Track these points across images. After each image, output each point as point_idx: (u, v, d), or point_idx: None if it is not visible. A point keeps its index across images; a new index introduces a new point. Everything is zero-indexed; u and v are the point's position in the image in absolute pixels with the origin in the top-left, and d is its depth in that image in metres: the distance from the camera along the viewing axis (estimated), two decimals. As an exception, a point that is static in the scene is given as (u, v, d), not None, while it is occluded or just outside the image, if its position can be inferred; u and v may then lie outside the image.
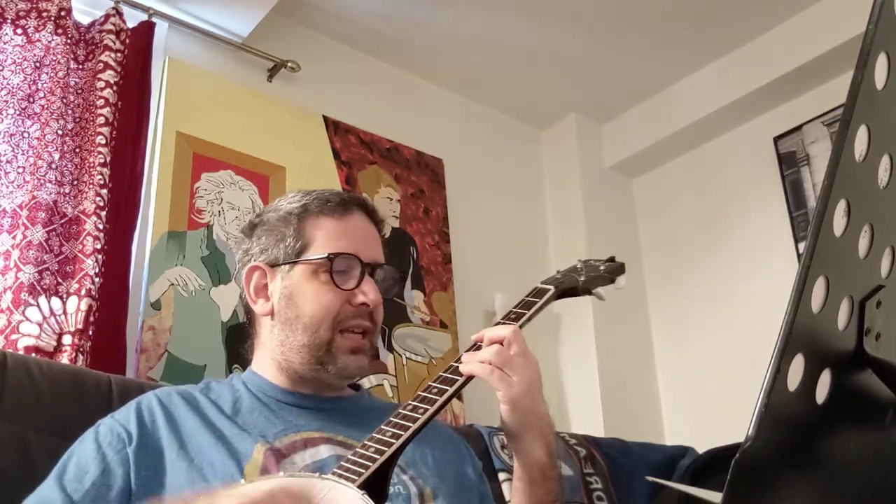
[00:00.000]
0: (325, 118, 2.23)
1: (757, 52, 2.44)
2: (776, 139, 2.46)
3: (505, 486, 1.60)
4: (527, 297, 1.09)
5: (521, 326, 1.01)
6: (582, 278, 1.13)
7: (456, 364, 0.98)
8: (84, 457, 0.94)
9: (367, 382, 1.97)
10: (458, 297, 2.32)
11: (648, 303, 2.71)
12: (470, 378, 0.96)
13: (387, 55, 2.49)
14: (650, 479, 1.76)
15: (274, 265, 1.10)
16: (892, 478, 0.57)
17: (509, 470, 1.62)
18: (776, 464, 0.46)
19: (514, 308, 1.07)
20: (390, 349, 2.09)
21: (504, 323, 1.02)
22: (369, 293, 1.07)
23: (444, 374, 0.97)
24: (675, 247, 2.69)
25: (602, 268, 1.16)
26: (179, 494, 0.90)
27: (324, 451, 1.00)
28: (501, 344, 0.98)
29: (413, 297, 2.21)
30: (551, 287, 1.10)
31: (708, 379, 2.45)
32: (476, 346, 1.00)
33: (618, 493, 1.79)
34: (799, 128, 2.41)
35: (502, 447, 1.68)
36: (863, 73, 0.48)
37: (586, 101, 2.74)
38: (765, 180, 2.46)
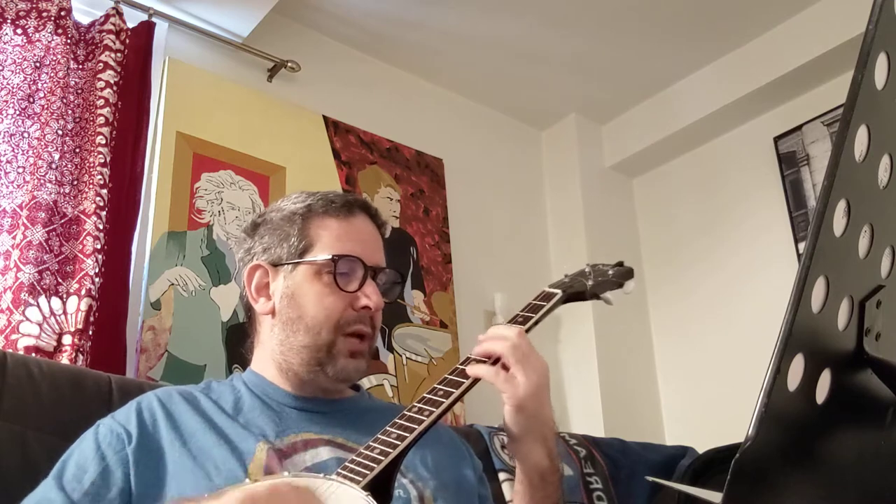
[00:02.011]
0: (325, 118, 2.23)
1: (757, 52, 2.44)
2: (776, 139, 2.46)
3: (505, 486, 1.60)
4: (534, 300, 1.08)
5: (527, 330, 1.00)
6: (590, 282, 1.13)
7: (462, 366, 0.98)
8: (83, 457, 0.93)
9: (367, 382, 1.96)
10: (458, 297, 2.32)
11: (648, 302, 2.71)
12: (476, 380, 0.95)
13: (387, 55, 2.49)
14: (650, 479, 1.76)
15: (277, 264, 1.10)
16: (892, 478, 0.57)
17: (509, 470, 1.62)
18: (776, 464, 0.46)
19: (521, 311, 1.06)
20: (390, 349, 2.09)
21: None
22: (371, 296, 1.06)
23: (450, 377, 0.96)
24: (675, 247, 2.69)
25: (611, 272, 1.15)
26: (183, 496, 0.89)
27: (324, 453, 1.00)
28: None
29: (413, 297, 2.21)
30: (559, 291, 1.10)
31: (708, 379, 2.45)
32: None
33: (618, 493, 1.79)
34: (799, 128, 2.41)
35: (502, 447, 1.68)
36: (863, 73, 0.48)
37: (586, 101, 2.74)
38: (765, 180, 2.46)
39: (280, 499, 0.71)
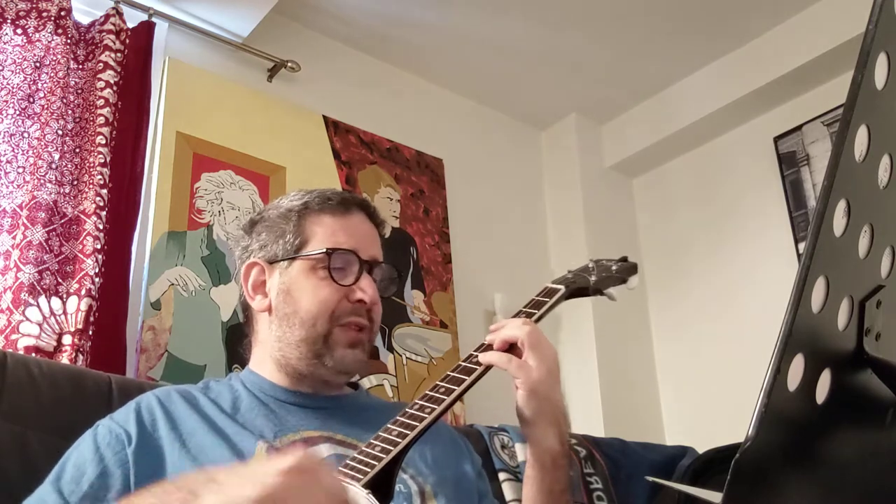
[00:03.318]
0: (325, 118, 2.23)
1: (757, 52, 2.44)
2: (776, 139, 2.45)
3: (505, 486, 1.59)
4: (537, 296, 1.09)
5: None
6: (593, 278, 1.13)
7: (463, 363, 0.98)
8: (82, 458, 0.93)
9: (367, 382, 1.97)
10: (458, 297, 2.32)
11: (648, 302, 2.71)
12: (484, 372, 0.96)
13: (387, 55, 2.49)
14: (650, 479, 1.76)
15: (272, 261, 1.10)
16: (892, 478, 0.57)
17: (509, 470, 1.62)
18: (776, 464, 0.46)
19: (525, 307, 1.07)
20: (390, 349, 2.09)
21: None
22: (367, 290, 1.06)
23: (452, 374, 0.97)
24: (675, 247, 2.69)
25: (614, 268, 1.15)
26: (182, 476, 0.87)
27: (324, 451, 1.00)
28: (514, 344, 0.99)
29: (413, 297, 2.21)
30: (562, 287, 1.10)
31: (708, 379, 2.45)
32: (487, 345, 1.01)
33: (618, 493, 1.79)
34: (799, 128, 2.41)
35: (502, 447, 1.68)
36: (863, 73, 0.48)
37: (586, 101, 2.74)
38: (765, 180, 2.46)
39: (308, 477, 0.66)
